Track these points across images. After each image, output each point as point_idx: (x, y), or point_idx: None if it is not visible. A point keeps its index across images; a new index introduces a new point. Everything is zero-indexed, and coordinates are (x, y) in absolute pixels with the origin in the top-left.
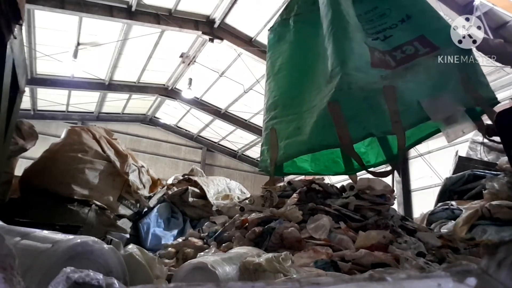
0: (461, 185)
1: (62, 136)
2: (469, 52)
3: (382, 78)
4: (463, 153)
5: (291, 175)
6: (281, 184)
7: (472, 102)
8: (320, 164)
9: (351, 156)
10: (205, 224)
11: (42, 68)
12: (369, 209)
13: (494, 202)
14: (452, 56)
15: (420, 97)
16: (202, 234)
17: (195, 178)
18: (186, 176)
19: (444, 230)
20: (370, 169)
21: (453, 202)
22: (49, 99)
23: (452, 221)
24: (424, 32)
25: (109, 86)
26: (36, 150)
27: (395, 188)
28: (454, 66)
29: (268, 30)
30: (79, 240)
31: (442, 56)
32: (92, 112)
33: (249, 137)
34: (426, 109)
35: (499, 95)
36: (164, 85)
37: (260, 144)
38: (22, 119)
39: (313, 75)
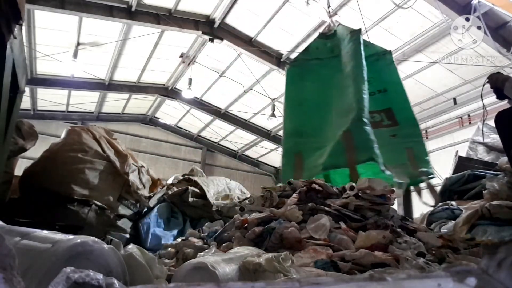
0: (461, 185)
1: (62, 136)
2: (419, 135)
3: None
4: (463, 153)
5: None
6: (281, 184)
7: (416, 177)
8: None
9: (352, 175)
10: (205, 224)
11: (42, 68)
12: (369, 209)
13: (494, 202)
14: (404, 137)
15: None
16: (202, 234)
17: (195, 178)
18: (186, 176)
19: (444, 230)
20: None
21: (453, 202)
22: (49, 99)
23: (452, 221)
24: (393, 107)
25: (109, 86)
26: (36, 150)
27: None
28: (404, 146)
29: (288, 64)
30: (79, 240)
31: (397, 136)
32: (92, 112)
33: (249, 137)
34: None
35: None
36: (164, 85)
37: (259, 144)
38: (22, 119)
39: (331, 110)
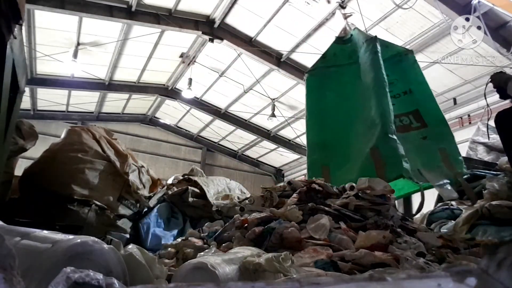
0: (461, 185)
1: (62, 136)
2: (450, 134)
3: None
4: (463, 153)
5: (292, 175)
6: (281, 184)
7: (452, 176)
8: None
9: None
10: (205, 224)
11: (42, 68)
12: (369, 209)
13: (494, 202)
14: (436, 138)
15: (413, 166)
16: (202, 234)
17: (195, 178)
18: (186, 176)
19: (444, 230)
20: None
21: (453, 202)
22: (49, 99)
23: (452, 221)
24: (419, 108)
25: (109, 86)
26: (36, 150)
27: None
28: (437, 147)
29: (306, 73)
30: (79, 240)
31: (428, 137)
32: (92, 112)
33: (249, 137)
34: (425, 176)
35: None
36: (164, 85)
37: (259, 144)
38: (22, 119)
39: (355, 121)
